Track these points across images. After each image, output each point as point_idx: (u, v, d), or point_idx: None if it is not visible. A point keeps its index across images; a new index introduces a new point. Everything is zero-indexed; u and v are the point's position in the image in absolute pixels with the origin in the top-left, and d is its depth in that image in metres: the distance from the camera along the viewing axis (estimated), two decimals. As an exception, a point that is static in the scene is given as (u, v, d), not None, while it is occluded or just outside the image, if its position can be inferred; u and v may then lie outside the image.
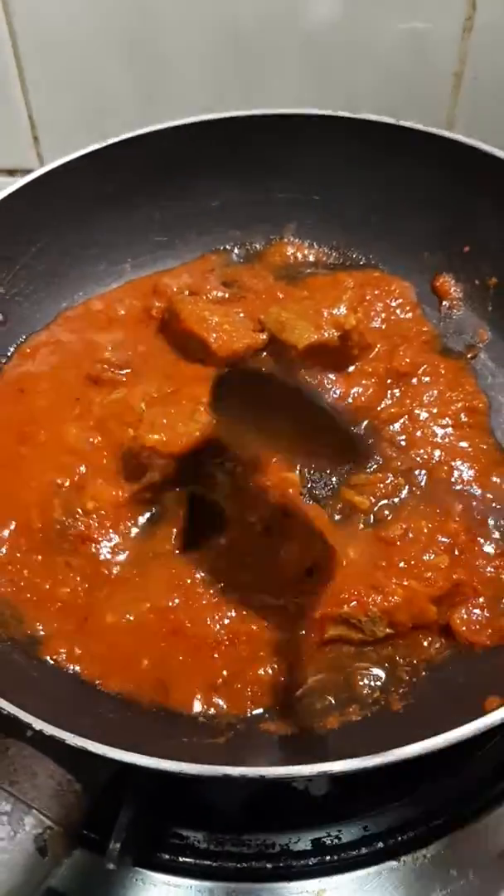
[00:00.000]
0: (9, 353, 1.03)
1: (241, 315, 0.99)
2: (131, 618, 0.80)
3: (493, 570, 0.83)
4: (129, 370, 0.98)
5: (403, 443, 0.92)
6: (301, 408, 0.94)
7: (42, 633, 0.81)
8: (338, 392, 0.96)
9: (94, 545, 0.85)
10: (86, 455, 0.90)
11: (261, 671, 0.78)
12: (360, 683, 0.78)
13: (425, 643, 0.81)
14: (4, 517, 0.86)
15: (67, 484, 0.88)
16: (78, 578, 0.83)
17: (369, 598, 0.80)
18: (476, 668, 0.77)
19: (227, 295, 1.06)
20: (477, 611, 0.81)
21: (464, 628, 0.79)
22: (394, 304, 1.04)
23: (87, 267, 1.10)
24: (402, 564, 0.82)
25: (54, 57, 1.22)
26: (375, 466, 0.91)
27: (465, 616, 0.80)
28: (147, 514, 0.88)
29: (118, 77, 1.23)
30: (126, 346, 1.00)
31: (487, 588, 0.82)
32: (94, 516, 0.86)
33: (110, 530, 0.86)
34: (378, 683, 0.78)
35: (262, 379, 0.96)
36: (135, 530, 0.87)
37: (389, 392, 0.97)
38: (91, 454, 0.90)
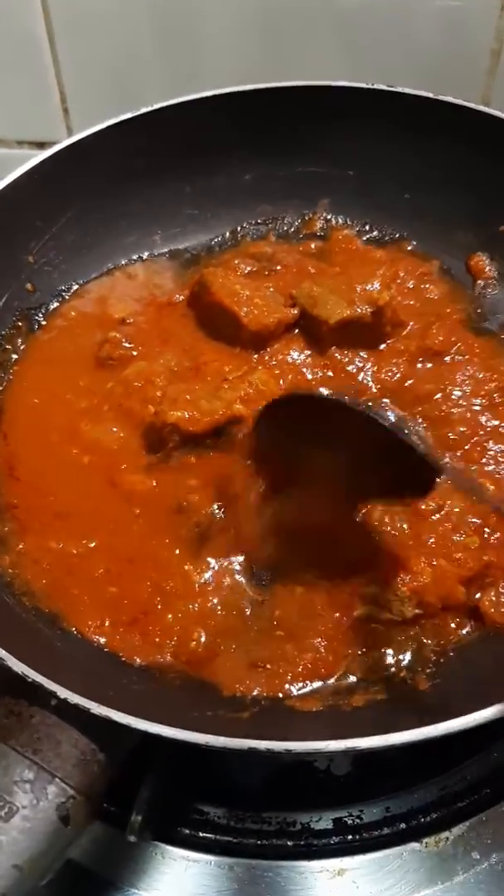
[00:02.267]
0: (41, 323, 1.02)
1: (272, 290, 0.98)
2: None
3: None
4: (141, 347, 0.96)
5: (436, 422, 0.91)
6: (363, 434, 0.73)
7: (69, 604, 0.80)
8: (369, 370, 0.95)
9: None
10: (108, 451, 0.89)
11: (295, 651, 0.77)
12: (387, 663, 0.77)
13: (453, 625, 0.79)
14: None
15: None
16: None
17: (398, 577, 0.79)
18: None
19: (256, 269, 1.04)
20: (504, 593, 0.80)
21: (492, 610, 0.78)
22: (427, 282, 1.02)
23: (117, 238, 1.08)
24: (431, 543, 0.81)
25: (86, 30, 1.20)
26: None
27: (494, 598, 0.79)
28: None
29: (149, 51, 1.22)
30: (146, 321, 0.99)
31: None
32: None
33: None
34: (405, 663, 0.76)
35: (314, 403, 0.80)
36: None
37: (422, 370, 0.95)
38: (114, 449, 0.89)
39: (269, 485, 0.82)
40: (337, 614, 0.79)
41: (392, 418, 0.81)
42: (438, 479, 0.72)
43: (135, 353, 0.95)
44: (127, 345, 0.95)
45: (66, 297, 1.05)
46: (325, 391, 0.91)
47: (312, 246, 1.09)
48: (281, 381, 0.92)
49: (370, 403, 0.85)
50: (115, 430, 0.89)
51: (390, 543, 0.81)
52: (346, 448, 0.74)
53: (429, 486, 0.73)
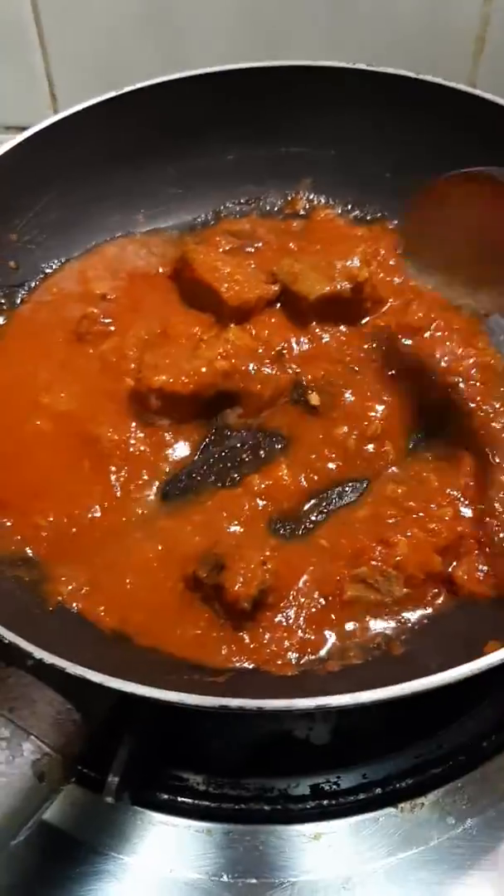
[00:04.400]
0: (21, 300, 1.03)
1: (254, 266, 0.99)
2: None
3: (498, 524, 0.83)
4: (119, 323, 0.97)
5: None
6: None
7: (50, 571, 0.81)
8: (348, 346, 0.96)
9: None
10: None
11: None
12: (363, 630, 0.78)
13: (429, 595, 0.80)
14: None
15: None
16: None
17: (376, 551, 0.80)
18: (478, 617, 0.77)
19: (238, 246, 1.05)
20: (480, 564, 0.81)
21: (466, 578, 0.79)
22: (406, 258, 1.03)
23: (100, 217, 1.09)
24: (409, 515, 0.82)
25: (73, 15, 1.21)
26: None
27: (468, 567, 0.80)
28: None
29: (136, 35, 1.23)
30: (126, 297, 1.00)
31: (491, 541, 0.81)
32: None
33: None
34: (380, 630, 0.78)
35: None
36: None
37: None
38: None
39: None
40: (330, 598, 0.79)
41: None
42: None
43: (112, 328, 0.96)
44: (105, 320, 0.96)
45: (49, 274, 1.05)
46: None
47: (294, 224, 1.10)
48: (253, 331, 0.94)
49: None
50: (93, 403, 0.90)
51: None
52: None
53: None
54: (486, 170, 0.78)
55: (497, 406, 0.92)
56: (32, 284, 1.04)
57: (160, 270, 1.03)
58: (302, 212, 1.13)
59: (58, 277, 1.05)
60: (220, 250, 1.02)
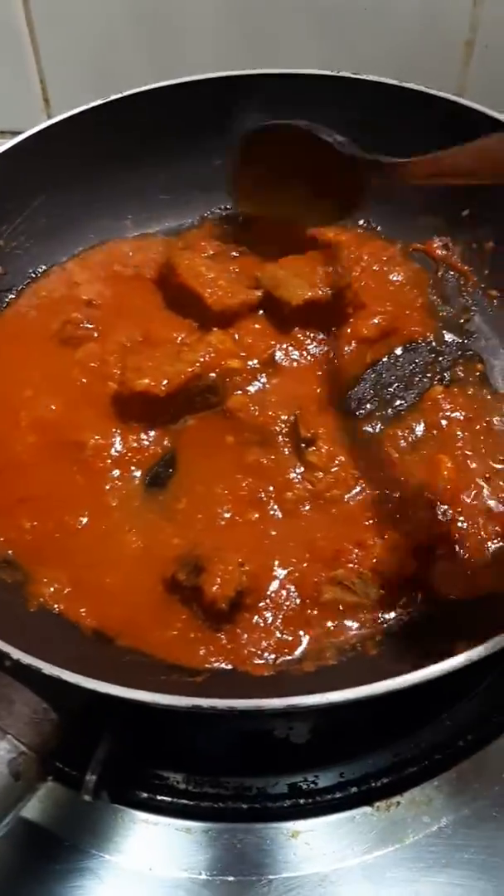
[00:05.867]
0: (7, 303, 1.04)
1: (237, 272, 1.00)
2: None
3: (471, 527, 0.84)
4: (101, 327, 0.98)
5: (397, 400, 0.94)
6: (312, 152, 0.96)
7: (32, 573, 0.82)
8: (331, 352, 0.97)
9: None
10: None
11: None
12: (338, 631, 0.79)
13: (403, 598, 0.81)
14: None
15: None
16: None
17: (353, 553, 0.81)
18: (450, 618, 0.78)
19: (222, 251, 1.06)
20: (453, 566, 0.82)
21: (439, 580, 0.80)
22: (389, 265, 1.04)
23: (88, 223, 1.10)
24: (385, 517, 0.83)
25: (66, 20, 1.22)
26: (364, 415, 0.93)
27: (442, 570, 0.81)
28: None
29: (129, 40, 1.24)
30: (111, 302, 1.01)
31: (465, 543, 0.82)
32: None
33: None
34: (355, 631, 0.79)
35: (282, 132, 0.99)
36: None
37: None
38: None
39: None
40: (307, 599, 0.80)
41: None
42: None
43: (95, 333, 0.97)
44: (88, 325, 0.97)
45: (36, 278, 1.07)
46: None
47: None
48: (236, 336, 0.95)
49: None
50: (76, 409, 0.91)
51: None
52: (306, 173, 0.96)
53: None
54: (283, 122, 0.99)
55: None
56: (19, 289, 1.05)
57: (145, 275, 1.04)
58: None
59: (45, 282, 1.06)
60: (205, 255, 1.03)
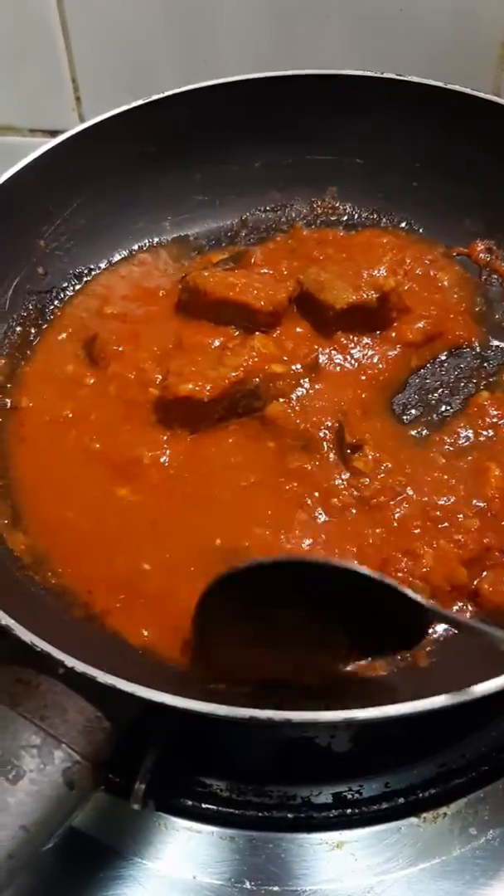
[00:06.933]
0: (50, 309, 1.04)
1: (265, 272, 1.00)
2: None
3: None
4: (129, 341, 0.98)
5: (443, 405, 0.93)
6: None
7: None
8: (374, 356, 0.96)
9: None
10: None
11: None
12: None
13: (455, 607, 0.80)
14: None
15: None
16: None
17: (402, 562, 0.80)
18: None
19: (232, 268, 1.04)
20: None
21: (491, 590, 0.79)
22: (432, 268, 1.03)
23: (126, 224, 1.10)
24: (435, 526, 0.82)
25: (99, 18, 1.22)
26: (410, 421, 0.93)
27: (494, 580, 0.80)
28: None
29: (161, 39, 1.23)
30: (137, 315, 1.01)
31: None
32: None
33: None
34: (405, 641, 0.78)
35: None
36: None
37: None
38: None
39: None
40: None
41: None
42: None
43: (120, 348, 0.96)
44: (116, 346, 0.97)
45: (77, 288, 1.07)
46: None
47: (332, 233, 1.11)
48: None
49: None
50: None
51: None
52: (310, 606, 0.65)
53: (419, 635, 0.70)
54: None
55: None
56: (62, 294, 1.06)
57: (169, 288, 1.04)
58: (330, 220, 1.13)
59: (77, 301, 1.06)
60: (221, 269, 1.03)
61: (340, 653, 0.72)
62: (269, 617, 0.66)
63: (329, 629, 0.68)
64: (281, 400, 0.90)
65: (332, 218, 1.14)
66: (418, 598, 0.63)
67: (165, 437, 0.89)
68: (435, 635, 0.78)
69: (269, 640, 0.68)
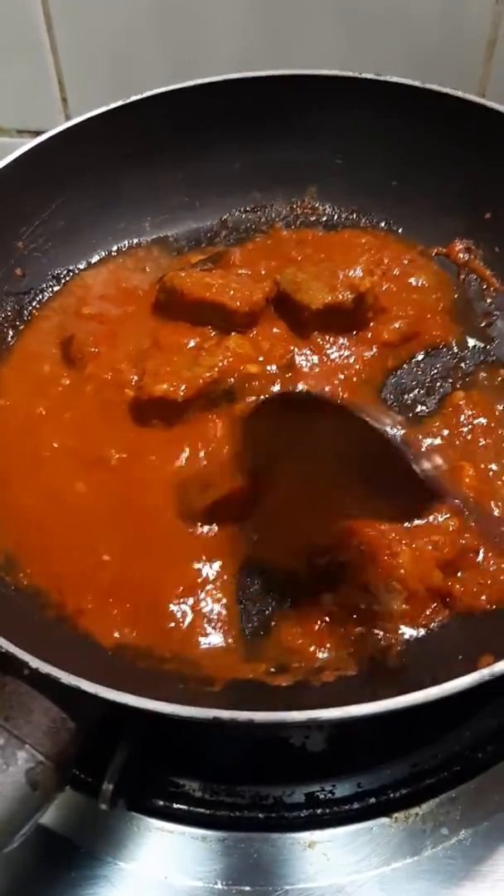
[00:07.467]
0: (28, 310, 1.04)
1: (241, 273, 1.00)
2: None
3: (497, 536, 0.82)
4: (106, 341, 0.98)
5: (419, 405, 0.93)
6: (357, 440, 0.67)
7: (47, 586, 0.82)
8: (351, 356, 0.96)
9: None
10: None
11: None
12: (358, 641, 0.78)
13: (427, 608, 0.80)
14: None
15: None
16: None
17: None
18: (473, 629, 0.77)
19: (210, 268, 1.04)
20: (478, 578, 0.81)
21: (463, 591, 0.79)
22: (410, 268, 1.03)
23: (106, 225, 1.10)
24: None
25: (84, 18, 1.22)
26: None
27: (466, 581, 0.80)
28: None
29: (147, 39, 1.23)
30: (114, 316, 1.01)
31: (490, 552, 0.81)
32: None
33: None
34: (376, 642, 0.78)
35: (307, 403, 0.73)
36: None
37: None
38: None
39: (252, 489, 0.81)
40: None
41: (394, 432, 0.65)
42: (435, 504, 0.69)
43: (96, 349, 0.96)
44: (93, 347, 0.97)
45: (55, 290, 1.07)
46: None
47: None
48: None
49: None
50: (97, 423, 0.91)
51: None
52: (334, 455, 0.69)
53: (423, 509, 0.71)
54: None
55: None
56: (40, 295, 1.06)
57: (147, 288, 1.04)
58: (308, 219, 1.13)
59: (55, 303, 1.06)
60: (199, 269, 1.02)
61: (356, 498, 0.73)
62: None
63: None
64: (250, 399, 0.90)
65: (312, 218, 1.14)
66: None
67: (136, 436, 0.89)
68: (406, 636, 0.78)
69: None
